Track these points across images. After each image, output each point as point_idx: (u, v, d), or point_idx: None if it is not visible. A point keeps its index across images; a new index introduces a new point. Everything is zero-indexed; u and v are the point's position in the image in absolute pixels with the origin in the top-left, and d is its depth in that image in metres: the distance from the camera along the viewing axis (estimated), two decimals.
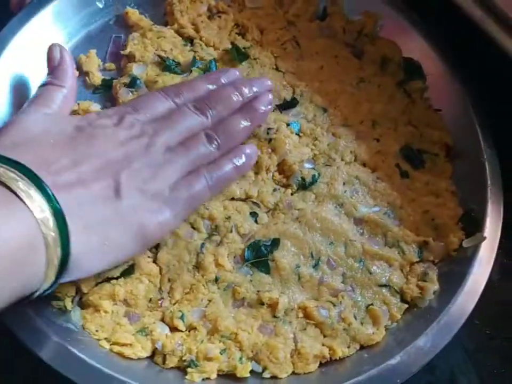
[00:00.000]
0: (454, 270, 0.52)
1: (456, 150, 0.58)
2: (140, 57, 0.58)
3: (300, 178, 0.54)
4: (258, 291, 0.50)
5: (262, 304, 0.49)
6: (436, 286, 0.51)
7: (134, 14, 0.61)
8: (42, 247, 0.37)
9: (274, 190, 0.54)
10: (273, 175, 0.55)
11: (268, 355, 0.47)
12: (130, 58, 0.59)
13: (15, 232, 0.35)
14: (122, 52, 0.59)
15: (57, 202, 0.38)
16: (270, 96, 0.54)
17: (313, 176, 0.54)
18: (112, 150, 0.44)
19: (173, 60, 0.58)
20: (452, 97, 0.60)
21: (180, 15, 0.61)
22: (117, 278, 0.49)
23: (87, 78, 0.58)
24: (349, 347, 0.48)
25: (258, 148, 0.54)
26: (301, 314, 0.49)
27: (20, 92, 0.54)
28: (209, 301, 0.49)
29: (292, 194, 0.54)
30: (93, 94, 0.58)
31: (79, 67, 0.58)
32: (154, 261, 0.50)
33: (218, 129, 0.49)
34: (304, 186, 0.54)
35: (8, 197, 0.36)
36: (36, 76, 0.54)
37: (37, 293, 0.39)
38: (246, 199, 0.53)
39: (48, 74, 0.50)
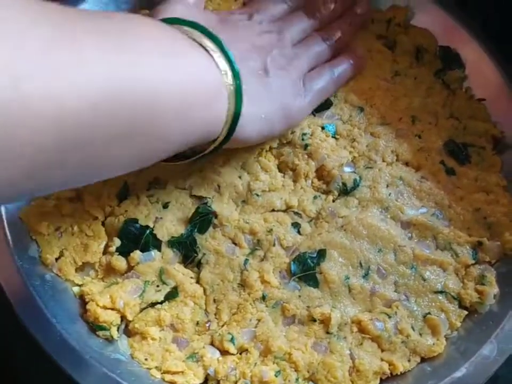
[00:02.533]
0: None
1: (504, 142, 0.55)
2: None
3: (340, 184, 0.52)
4: (308, 307, 0.48)
5: (314, 320, 0.47)
6: (495, 289, 0.48)
7: None
8: (225, 95, 0.42)
9: (315, 197, 0.52)
10: (312, 182, 0.53)
11: (325, 374, 0.45)
12: None
13: (209, 77, 0.41)
14: None
15: (235, 63, 0.42)
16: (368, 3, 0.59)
17: (355, 180, 0.52)
18: (255, 37, 0.49)
19: None
20: (494, 85, 0.56)
21: None
22: (161, 303, 0.48)
23: None
24: (409, 361, 0.46)
25: (294, 156, 0.52)
26: (355, 329, 0.47)
27: None
28: (258, 320, 0.47)
29: (333, 201, 0.52)
30: None
31: None
32: (198, 282, 0.49)
33: (328, 32, 0.55)
34: (345, 191, 0.52)
35: (198, 49, 0.41)
36: None
37: (212, 146, 0.45)
38: (287, 209, 0.51)
39: None
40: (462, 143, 0.55)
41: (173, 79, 0.37)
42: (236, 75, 0.42)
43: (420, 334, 0.47)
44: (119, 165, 0.37)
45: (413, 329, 0.47)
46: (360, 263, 0.49)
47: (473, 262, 0.50)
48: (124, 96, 0.33)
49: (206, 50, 0.41)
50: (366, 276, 0.49)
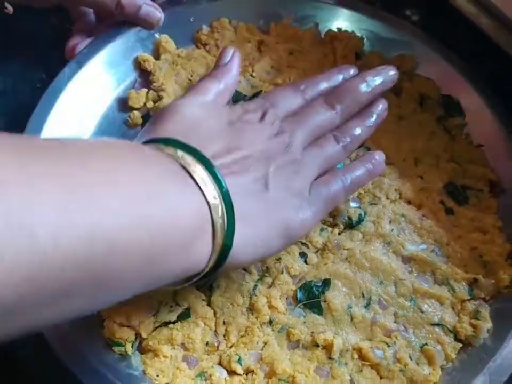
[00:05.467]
0: (506, 307, 0.52)
1: (500, 186, 0.58)
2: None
3: (346, 218, 0.55)
4: (312, 332, 0.50)
5: (317, 345, 0.49)
6: (489, 324, 0.51)
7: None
8: (209, 231, 0.38)
9: (322, 230, 0.55)
10: None
11: None
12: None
13: (188, 212, 0.36)
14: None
15: (227, 190, 0.38)
16: (385, 103, 0.54)
17: (360, 215, 0.55)
18: (259, 144, 0.45)
19: None
20: (492, 132, 0.60)
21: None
22: (173, 322, 0.50)
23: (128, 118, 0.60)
24: None
25: None
26: (356, 356, 0.49)
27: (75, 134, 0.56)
28: (265, 343, 0.50)
29: (339, 233, 0.55)
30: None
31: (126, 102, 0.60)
32: (209, 304, 0.52)
33: (343, 131, 0.50)
34: (351, 225, 0.55)
35: (185, 178, 0.37)
36: (90, 119, 0.58)
37: (195, 279, 0.40)
38: None
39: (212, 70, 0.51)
40: (461, 185, 0.59)
41: (137, 222, 0.31)
42: (228, 208, 0.38)
43: (417, 364, 0.49)
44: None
45: (411, 359, 0.49)
46: (363, 294, 0.52)
47: (468, 297, 0.53)
48: (73, 248, 0.27)
49: (193, 178, 0.37)
50: (367, 306, 0.52)
